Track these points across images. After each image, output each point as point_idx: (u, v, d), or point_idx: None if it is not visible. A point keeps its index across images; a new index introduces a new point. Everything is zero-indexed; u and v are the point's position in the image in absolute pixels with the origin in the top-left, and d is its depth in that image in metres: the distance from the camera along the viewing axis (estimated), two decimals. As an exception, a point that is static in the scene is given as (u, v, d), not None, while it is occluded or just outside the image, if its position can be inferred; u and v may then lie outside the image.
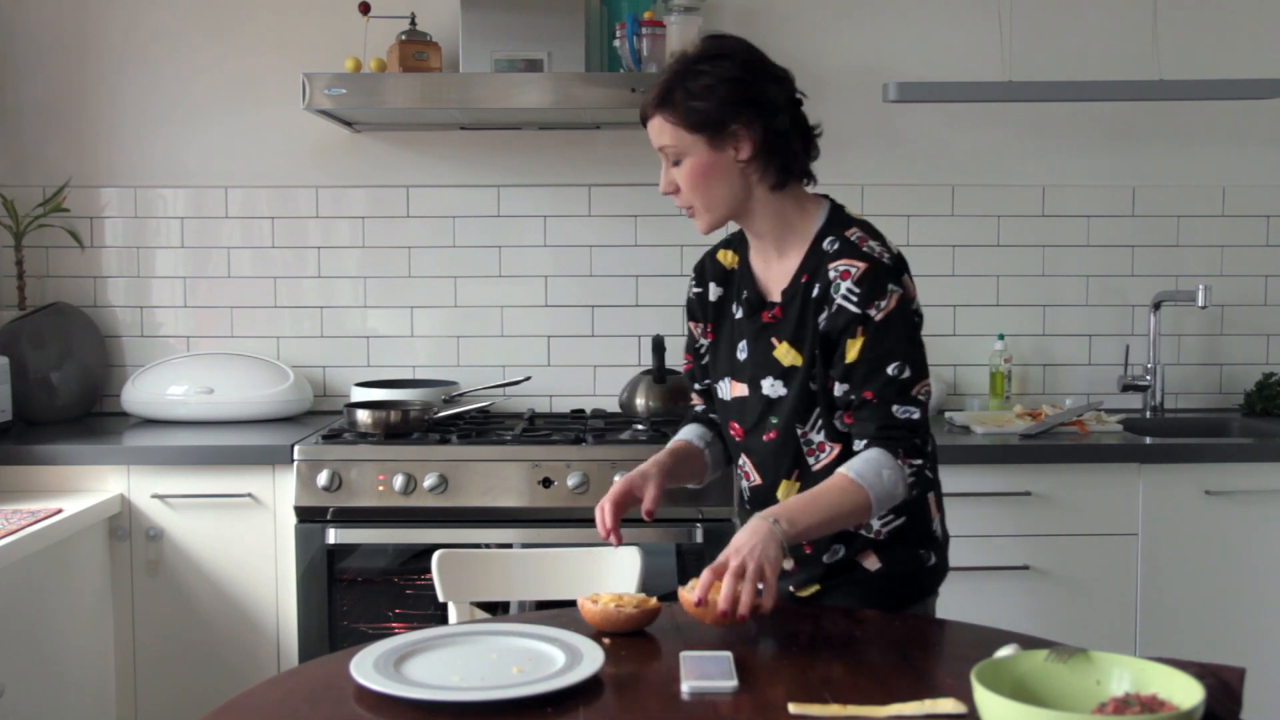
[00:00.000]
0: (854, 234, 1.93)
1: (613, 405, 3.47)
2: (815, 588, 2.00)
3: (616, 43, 3.27)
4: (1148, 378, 3.49)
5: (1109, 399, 3.53)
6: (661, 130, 1.91)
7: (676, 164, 1.92)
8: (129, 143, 3.55)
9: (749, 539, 1.72)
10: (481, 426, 3.21)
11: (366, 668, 1.59)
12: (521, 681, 1.56)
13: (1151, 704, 1.29)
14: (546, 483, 2.91)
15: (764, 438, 1.98)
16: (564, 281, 3.56)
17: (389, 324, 3.59)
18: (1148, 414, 3.49)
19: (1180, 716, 1.25)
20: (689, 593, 1.74)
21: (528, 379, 3.43)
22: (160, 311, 3.59)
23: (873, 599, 1.96)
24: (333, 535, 2.93)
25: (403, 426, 3.04)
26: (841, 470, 1.83)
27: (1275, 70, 3.47)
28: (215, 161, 3.55)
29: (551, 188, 3.54)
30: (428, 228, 3.56)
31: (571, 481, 2.89)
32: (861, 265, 1.87)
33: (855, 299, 1.86)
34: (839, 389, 1.90)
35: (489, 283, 3.57)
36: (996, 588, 2.96)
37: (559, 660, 1.63)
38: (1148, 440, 3.08)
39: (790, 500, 1.84)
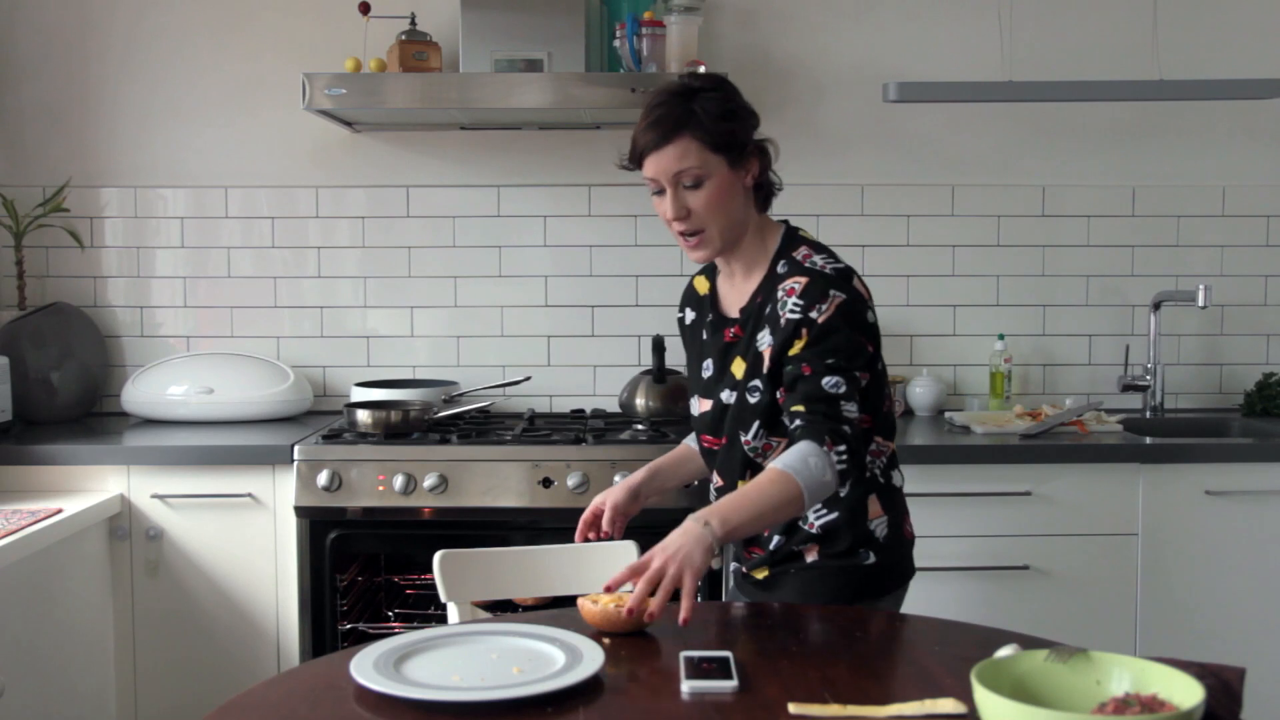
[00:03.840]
0: (800, 252, 2.01)
1: (613, 405, 3.47)
2: (765, 571, 2.08)
3: (616, 43, 3.27)
4: (1148, 378, 3.49)
5: (1109, 399, 3.53)
6: (686, 152, 1.93)
7: (694, 186, 1.96)
8: (129, 143, 3.55)
9: (677, 541, 1.75)
10: (481, 426, 3.21)
11: (366, 668, 1.59)
12: (521, 681, 1.56)
13: (1151, 704, 1.29)
14: (546, 483, 2.91)
15: (720, 442, 2.09)
16: (564, 281, 3.57)
17: (389, 324, 3.59)
18: (1148, 414, 3.50)
19: (1180, 716, 1.25)
20: (591, 604, 1.79)
21: (528, 379, 3.43)
22: (160, 311, 3.59)
23: (813, 593, 2.03)
24: (333, 535, 2.93)
25: (403, 426, 3.04)
26: (770, 464, 1.87)
27: (1275, 70, 3.47)
28: (215, 161, 3.55)
29: (551, 188, 3.54)
30: (428, 228, 3.56)
31: (571, 481, 2.89)
32: (804, 280, 1.96)
33: (799, 309, 1.93)
34: (785, 379, 1.96)
35: (489, 283, 3.57)
36: (996, 588, 2.96)
37: (559, 660, 1.63)
38: (1148, 440, 3.08)
39: (724, 499, 1.87)
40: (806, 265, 1.98)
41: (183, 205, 3.57)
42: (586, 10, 3.27)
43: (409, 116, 3.38)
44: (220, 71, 3.53)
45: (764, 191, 2.05)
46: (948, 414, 3.39)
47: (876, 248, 3.56)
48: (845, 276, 1.98)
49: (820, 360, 1.90)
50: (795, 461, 1.84)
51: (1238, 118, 3.55)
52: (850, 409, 1.90)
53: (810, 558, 2.04)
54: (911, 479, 2.87)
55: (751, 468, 2.02)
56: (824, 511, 2.01)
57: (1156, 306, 3.50)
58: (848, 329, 1.92)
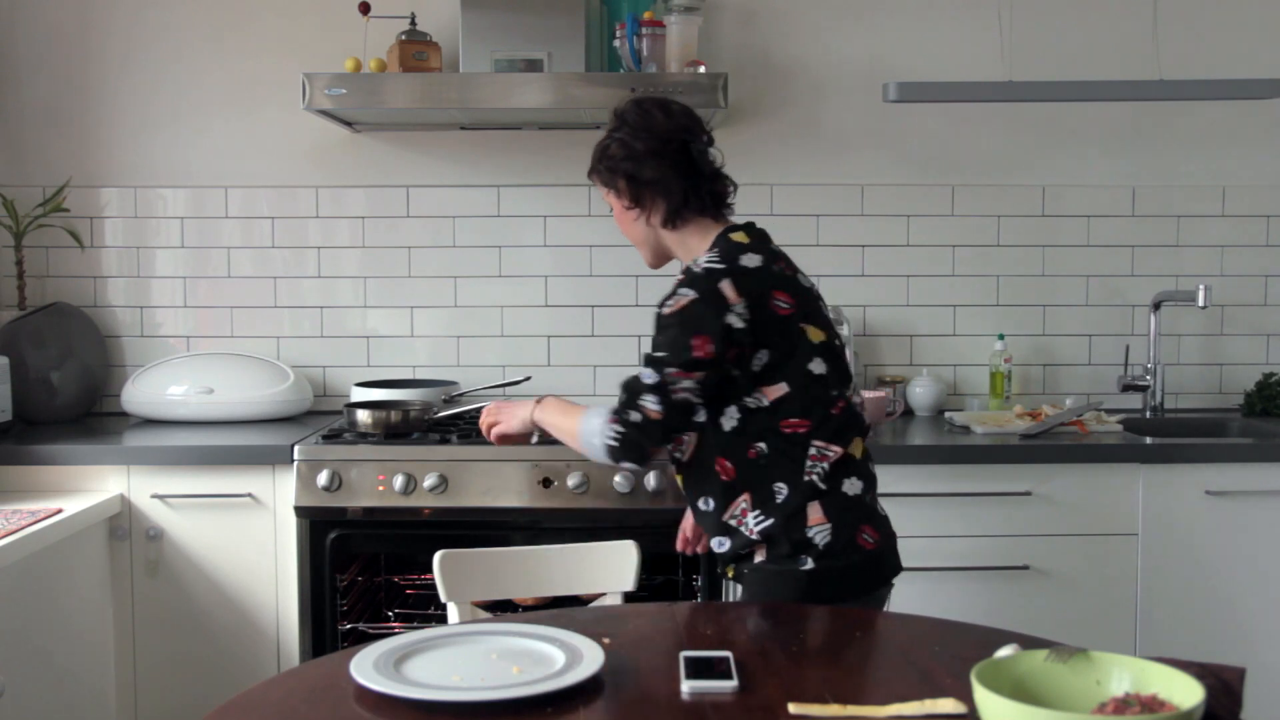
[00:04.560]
0: (705, 255, 2.12)
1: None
2: (731, 570, 2.19)
3: (616, 43, 3.27)
4: (1148, 378, 3.49)
5: (1109, 399, 3.53)
6: (597, 184, 2.29)
7: (611, 211, 2.29)
8: (129, 143, 3.55)
9: (511, 405, 2.29)
10: (481, 426, 3.20)
11: (366, 668, 1.60)
12: (521, 681, 1.56)
13: (1151, 704, 1.29)
14: (546, 483, 2.91)
15: None
16: (564, 281, 3.57)
17: (389, 324, 3.59)
18: (1148, 414, 3.50)
19: (1180, 716, 1.25)
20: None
21: (528, 379, 3.43)
22: (160, 311, 3.59)
23: (759, 593, 2.10)
24: (333, 535, 2.92)
25: (403, 426, 3.04)
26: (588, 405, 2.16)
27: (1275, 70, 3.47)
28: (215, 161, 3.55)
29: (551, 188, 3.54)
30: (428, 228, 3.56)
31: (571, 481, 2.89)
32: (680, 279, 2.11)
33: (659, 304, 2.10)
34: None
35: (489, 283, 3.57)
36: (996, 588, 2.96)
37: (559, 660, 1.63)
38: (1148, 440, 3.08)
39: (556, 400, 2.23)
40: (691, 266, 2.12)
41: (183, 205, 3.57)
42: (586, 10, 3.27)
43: (409, 116, 3.38)
44: (220, 72, 3.53)
45: (667, 206, 2.18)
46: (948, 414, 3.39)
47: (876, 248, 3.56)
48: (711, 276, 2.05)
49: (649, 352, 2.07)
50: (592, 412, 2.11)
51: (1238, 118, 3.55)
52: (649, 401, 2.03)
53: (758, 558, 2.11)
54: (911, 479, 2.89)
55: (672, 458, 2.18)
56: (761, 516, 2.08)
57: (1156, 306, 3.50)
58: (679, 328, 2.03)
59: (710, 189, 2.20)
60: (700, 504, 2.16)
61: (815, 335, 2.09)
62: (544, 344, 3.58)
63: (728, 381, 2.06)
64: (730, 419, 2.08)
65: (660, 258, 2.30)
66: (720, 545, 2.14)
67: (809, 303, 2.12)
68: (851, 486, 2.09)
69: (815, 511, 2.06)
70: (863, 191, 3.55)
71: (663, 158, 2.17)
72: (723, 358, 2.03)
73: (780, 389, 2.05)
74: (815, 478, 2.06)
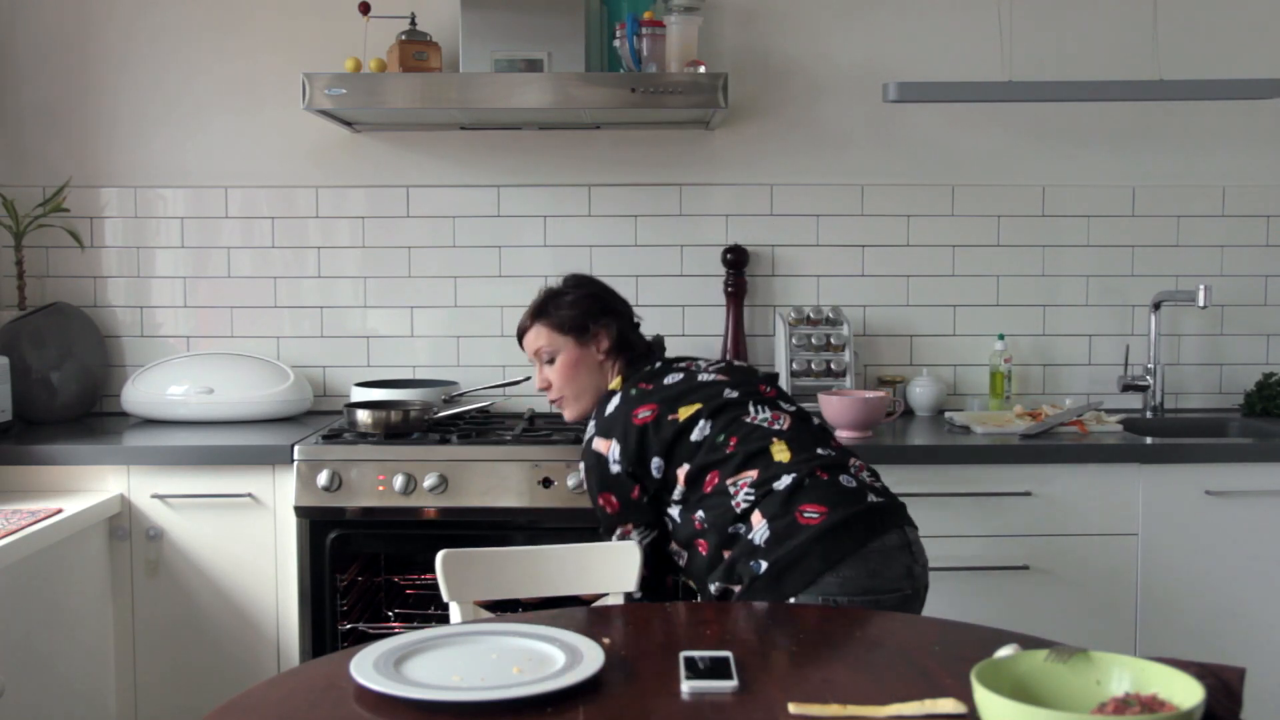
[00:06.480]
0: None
1: (613, 405, 3.46)
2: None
3: (616, 43, 3.27)
4: (1148, 378, 3.49)
5: (1109, 399, 3.53)
6: (538, 336, 2.53)
7: (550, 362, 2.53)
8: (129, 143, 3.55)
9: None
10: (481, 426, 3.21)
11: (366, 668, 1.60)
12: (521, 681, 1.56)
13: (1151, 704, 1.29)
14: (546, 483, 2.91)
15: None
16: (564, 281, 3.56)
17: (389, 324, 3.59)
18: (1148, 414, 3.50)
19: (1180, 716, 1.25)
20: None
21: (528, 379, 3.43)
22: (160, 311, 3.59)
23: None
24: (333, 535, 2.92)
25: (403, 426, 3.04)
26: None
27: (1275, 70, 3.47)
28: (215, 161, 3.55)
29: (551, 188, 3.54)
30: (428, 228, 3.56)
31: (572, 481, 2.89)
32: None
33: None
34: None
35: (489, 283, 3.57)
36: (996, 588, 2.96)
37: (559, 660, 1.63)
38: (1148, 440, 3.08)
39: None
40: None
41: (183, 205, 3.57)
42: (586, 10, 3.27)
43: (409, 116, 3.38)
44: (220, 71, 3.53)
45: (629, 358, 2.52)
46: (948, 414, 3.39)
47: (876, 248, 3.56)
48: (589, 440, 2.40)
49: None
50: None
51: (1238, 118, 3.55)
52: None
53: (736, 590, 2.24)
54: (912, 479, 2.89)
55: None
56: (716, 583, 2.25)
57: (1156, 306, 3.50)
58: (595, 502, 2.41)
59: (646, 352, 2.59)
60: (712, 590, 2.28)
61: (685, 412, 2.34)
62: (544, 344, 3.57)
63: (653, 503, 2.37)
64: (675, 516, 2.35)
65: (585, 412, 2.57)
66: (717, 590, 2.28)
67: (674, 392, 2.39)
68: (782, 483, 2.22)
69: (756, 517, 2.21)
70: (863, 191, 3.55)
71: (629, 320, 2.61)
72: (630, 499, 2.36)
73: (685, 469, 2.31)
74: (744, 500, 2.23)
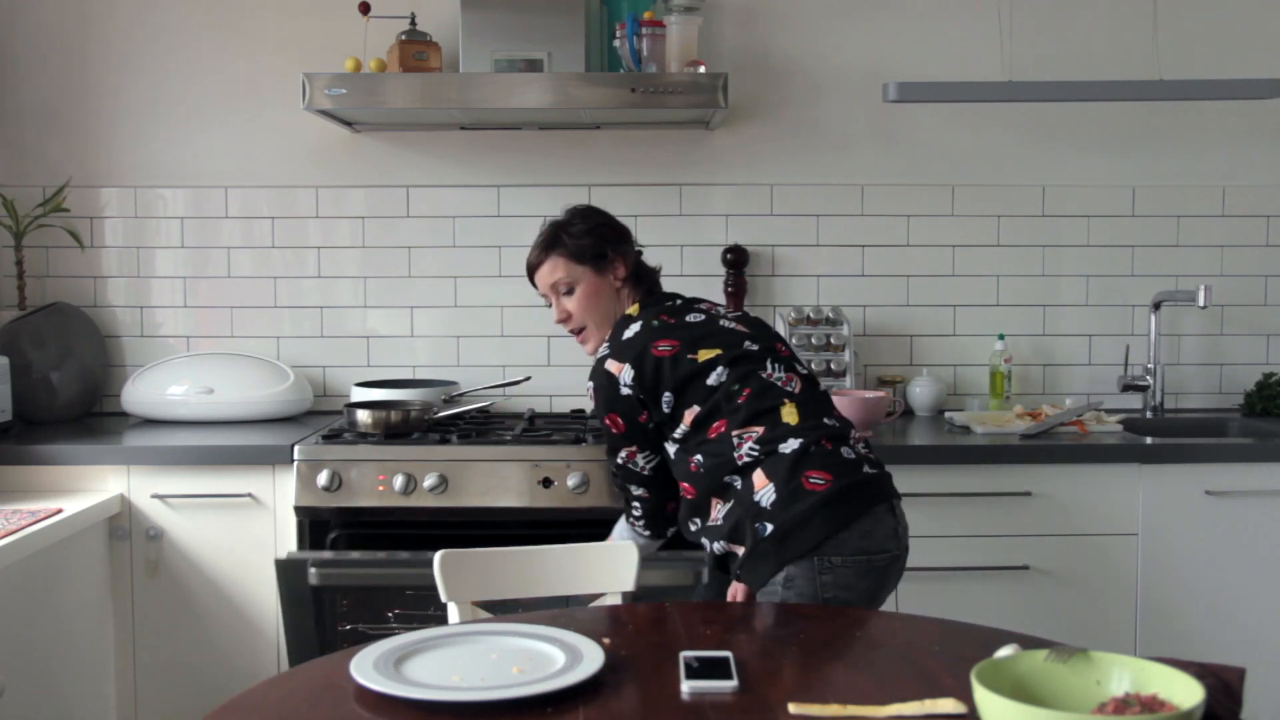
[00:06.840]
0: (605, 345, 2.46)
1: (613, 405, 3.46)
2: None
3: (616, 43, 3.27)
4: (1148, 378, 3.49)
5: (1109, 399, 3.53)
6: (555, 268, 2.50)
7: (568, 293, 2.50)
8: (129, 143, 3.55)
9: None
10: (481, 426, 3.21)
11: (366, 668, 1.60)
12: (521, 681, 1.56)
13: (1151, 704, 1.29)
14: (546, 483, 2.91)
15: None
16: (564, 281, 3.56)
17: (389, 324, 3.59)
18: (1148, 414, 3.50)
19: (1180, 716, 1.25)
20: None
21: (528, 379, 3.43)
22: (160, 311, 3.59)
23: (758, 577, 2.22)
24: (333, 535, 2.92)
25: (403, 426, 3.04)
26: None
27: (1275, 70, 3.47)
28: (215, 161, 3.55)
29: (551, 188, 3.54)
30: (428, 228, 3.56)
31: (571, 481, 2.89)
32: None
33: None
34: None
35: (489, 283, 3.57)
36: (996, 588, 2.96)
37: (559, 660, 1.63)
38: (1148, 440, 3.08)
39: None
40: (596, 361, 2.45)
41: (183, 205, 3.57)
42: (586, 10, 3.27)
43: (409, 116, 3.38)
44: (220, 71, 3.53)
45: (646, 287, 2.54)
46: (948, 414, 3.39)
47: (876, 248, 3.56)
48: (601, 359, 2.41)
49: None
50: (621, 527, 2.58)
51: (1238, 118, 3.55)
52: (627, 486, 2.47)
53: (739, 551, 2.26)
54: (912, 479, 2.89)
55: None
56: (718, 538, 2.29)
57: (1156, 306, 3.50)
58: (601, 420, 2.41)
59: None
60: (691, 527, 2.37)
61: (705, 355, 2.34)
62: (544, 344, 3.58)
63: (656, 430, 2.38)
64: (671, 452, 2.38)
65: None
66: (720, 550, 2.32)
67: (697, 332, 2.39)
68: (788, 446, 2.23)
69: (759, 477, 2.23)
70: (862, 191, 3.55)
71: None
72: (636, 422, 2.37)
73: (694, 410, 2.32)
74: (748, 455, 2.24)
